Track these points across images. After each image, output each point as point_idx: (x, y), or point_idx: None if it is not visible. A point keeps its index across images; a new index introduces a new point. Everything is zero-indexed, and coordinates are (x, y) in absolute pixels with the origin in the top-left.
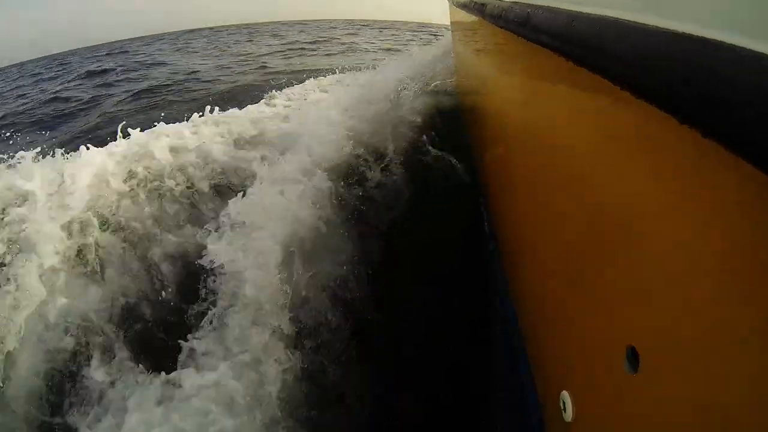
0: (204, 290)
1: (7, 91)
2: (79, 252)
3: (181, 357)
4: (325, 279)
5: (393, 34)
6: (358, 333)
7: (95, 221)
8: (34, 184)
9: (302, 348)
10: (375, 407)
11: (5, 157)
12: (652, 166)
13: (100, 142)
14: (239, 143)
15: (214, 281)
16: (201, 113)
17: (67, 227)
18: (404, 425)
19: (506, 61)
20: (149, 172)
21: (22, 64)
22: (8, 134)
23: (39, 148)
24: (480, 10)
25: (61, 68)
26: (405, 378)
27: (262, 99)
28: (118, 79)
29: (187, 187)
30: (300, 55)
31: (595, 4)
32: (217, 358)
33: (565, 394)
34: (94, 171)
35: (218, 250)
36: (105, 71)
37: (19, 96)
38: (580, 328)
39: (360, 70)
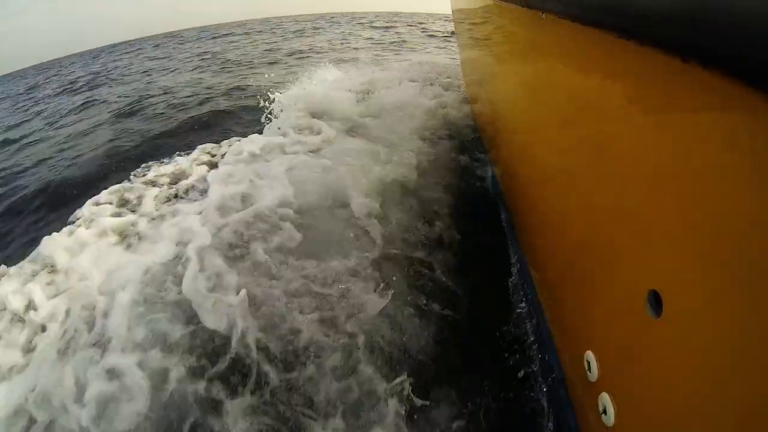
0: None
1: None
2: None
3: None
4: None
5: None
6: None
7: None
8: None
9: None
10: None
11: None
12: (665, 113)
13: None
14: None
15: None
16: None
17: None
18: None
19: (549, 51)
20: None
21: None
22: None
23: None
24: None
25: None
26: (424, 354)
27: None
28: None
29: None
30: None
31: None
32: None
33: (590, 354)
34: None
35: None
36: None
37: None
38: (599, 281)
39: None
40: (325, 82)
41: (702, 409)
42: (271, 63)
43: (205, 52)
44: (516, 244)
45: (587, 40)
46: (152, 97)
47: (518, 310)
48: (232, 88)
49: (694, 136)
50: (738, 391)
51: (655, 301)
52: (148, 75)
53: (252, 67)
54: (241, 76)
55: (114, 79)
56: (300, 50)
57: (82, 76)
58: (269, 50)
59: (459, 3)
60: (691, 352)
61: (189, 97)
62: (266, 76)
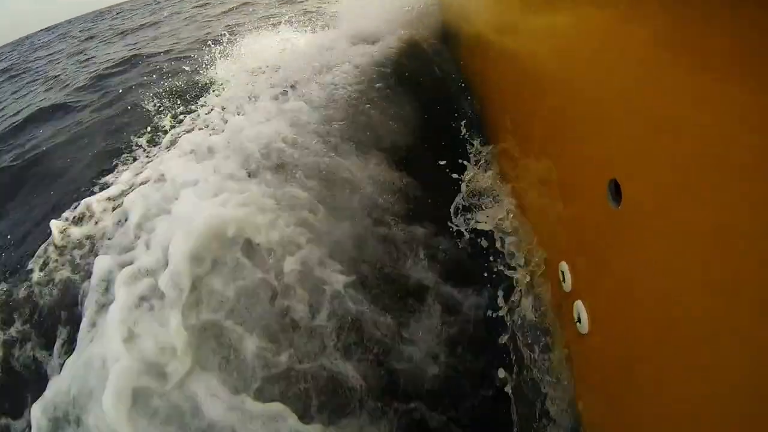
0: None
1: None
2: None
3: None
4: None
5: None
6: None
7: None
8: None
9: None
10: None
11: None
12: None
13: None
14: None
15: None
16: None
17: None
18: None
19: None
20: None
21: None
22: None
23: None
24: None
25: None
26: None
27: None
28: None
29: None
30: None
31: None
32: None
33: (564, 264)
34: None
35: None
36: None
37: None
38: (566, 181)
39: None
40: None
41: (669, 302)
42: None
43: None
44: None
45: None
46: None
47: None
48: None
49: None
50: (699, 277)
51: (616, 191)
52: None
53: None
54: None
55: None
56: None
57: None
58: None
59: None
60: (651, 239)
61: None
62: None
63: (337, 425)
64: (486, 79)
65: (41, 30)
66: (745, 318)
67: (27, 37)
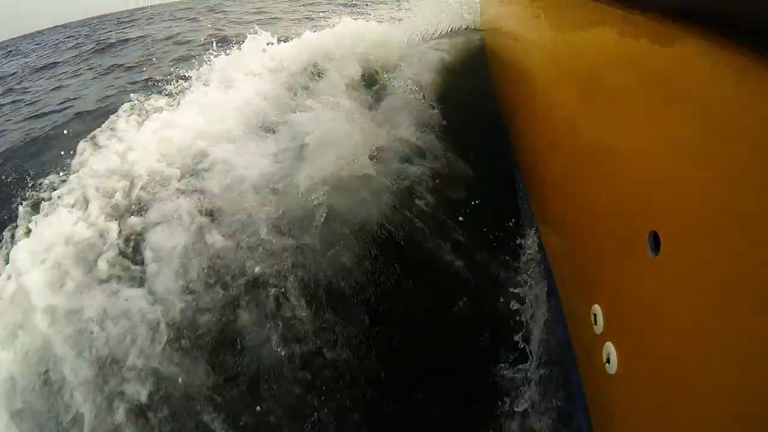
0: None
1: None
2: None
3: None
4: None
5: None
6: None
7: None
8: None
9: None
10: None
11: None
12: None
13: None
14: None
15: None
16: None
17: None
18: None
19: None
20: None
21: None
22: None
23: None
24: None
25: None
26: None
27: None
28: None
29: None
30: None
31: None
32: None
33: (596, 308)
34: None
35: None
36: None
37: None
38: (603, 229)
39: None
40: None
41: (702, 347)
42: None
43: None
44: (525, 200)
45: None
46: None
47: (524, 265)
48: None
49: (687, 81)
50: (731, 326)
51: (655, 242)
52: None
53: None
54: None
55: None
56: None
57: None
58: None
59: None
60: (687, 288)
61: None
62: None
63: None
64: (522, 119)
65: (57, 26)
66: None
67: (40, 32)
